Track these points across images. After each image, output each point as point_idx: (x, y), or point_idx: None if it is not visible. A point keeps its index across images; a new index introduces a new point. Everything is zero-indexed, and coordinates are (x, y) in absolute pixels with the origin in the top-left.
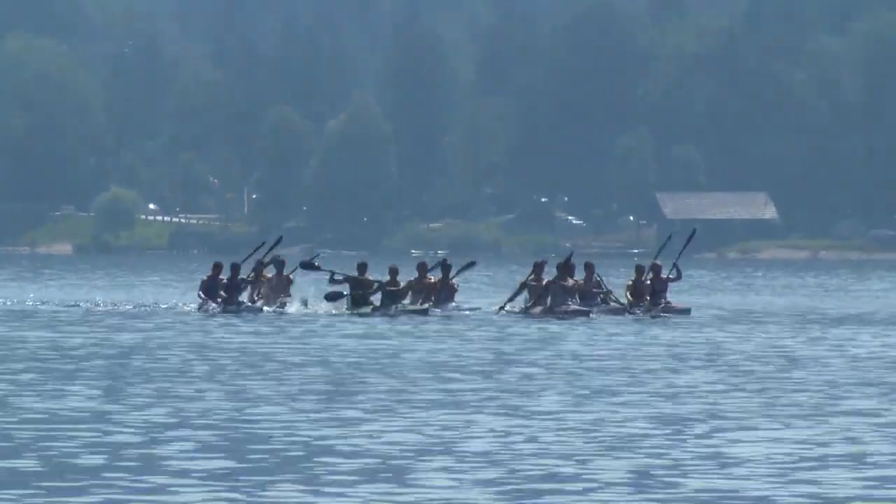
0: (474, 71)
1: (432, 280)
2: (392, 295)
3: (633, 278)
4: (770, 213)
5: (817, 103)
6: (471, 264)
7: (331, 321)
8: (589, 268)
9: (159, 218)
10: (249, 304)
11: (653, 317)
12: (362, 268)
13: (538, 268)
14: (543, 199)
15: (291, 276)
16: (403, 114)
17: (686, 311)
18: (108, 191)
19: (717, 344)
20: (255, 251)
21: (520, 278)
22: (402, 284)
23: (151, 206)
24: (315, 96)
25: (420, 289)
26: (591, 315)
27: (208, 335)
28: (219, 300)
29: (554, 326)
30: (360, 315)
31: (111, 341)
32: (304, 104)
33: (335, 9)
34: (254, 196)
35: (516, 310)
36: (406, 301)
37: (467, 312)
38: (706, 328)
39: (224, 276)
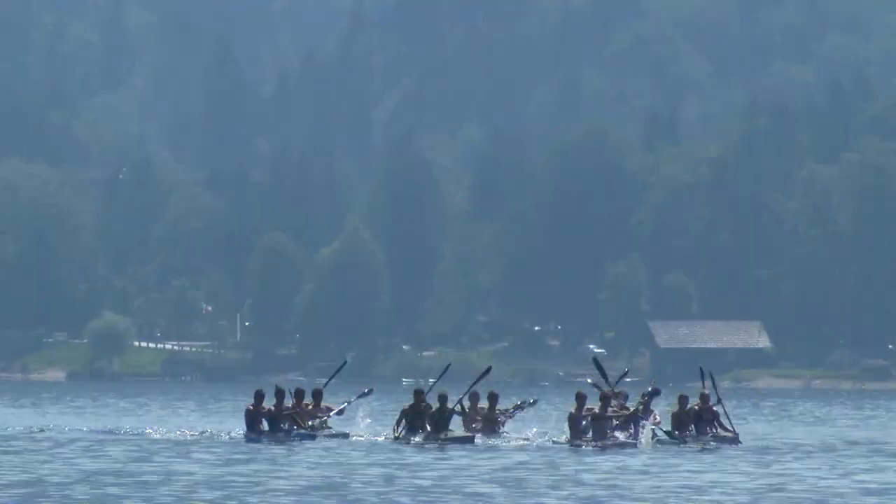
0: (467, 197)
1: (483, 409)
2: (441, 422)
3: (677, 408)
4: (763, 341)
5: (810, 232)
6: (486, 371)
7: (378, 448)
8: (653, 393)
9: (152, 345)
10: (299, 430)
11: (703, 446)
12: (418, 395)
13: (580, 399)
14: (536, 328)
15: (330, 406)
16: (396, 240)
17: (735, 440)
18: (100, 317)
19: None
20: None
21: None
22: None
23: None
24: (308, 223)
25: (471, 417)
26: (637, 446)
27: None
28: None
29: (599, 457)
30: (411, 443)
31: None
32: (296, 230)
33: (328, 135)
34: (247, 323)
35: (562, 440)
36: (457, 429)
37: (521, 441)
38: (757, 457)
39: (267, 406)
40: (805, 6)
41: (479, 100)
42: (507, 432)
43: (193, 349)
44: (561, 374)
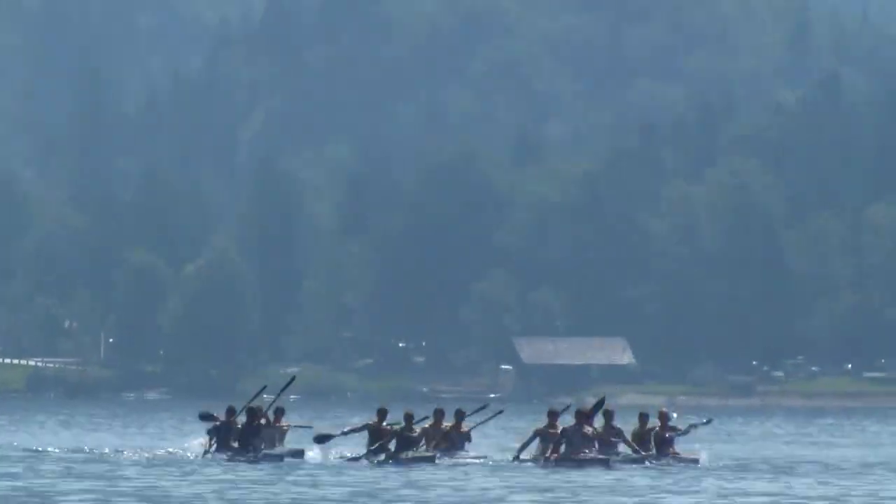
0: (334, 215)
1: (447, 426)
2: (407, 441)
3: (636, 426)
4: (627, 358)
5: (675, 250)
6: (498, 412)
7: (337, 469)
8: (608, 414)
9: (17, 361)
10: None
11: (662, 465)
12: (382, 413)
13: (552, 416)
14: (402, 344)
15: (286, 425)
16: (263, 258)
17: (695, 461)
18: None
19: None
20: (255, 395)
21: (535, 426)
22: (418, 431)
23: None
24: (174, 241)
25: (434, 435)
26: (609, 463)
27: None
28: (233, 446)
29: (573, 474)
30: (377, 463)
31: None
32: (162, 248)
33: (194, 153)
34: (111, 340)
35: (529, 457)
36: (419, 447)
37: (475, 460)
38: (722, 479)
39: (239, 422)
40: (671, 25)
41: (346, 118)
42: (467, 451)
43: (57, 365)
44: (425, 390)
